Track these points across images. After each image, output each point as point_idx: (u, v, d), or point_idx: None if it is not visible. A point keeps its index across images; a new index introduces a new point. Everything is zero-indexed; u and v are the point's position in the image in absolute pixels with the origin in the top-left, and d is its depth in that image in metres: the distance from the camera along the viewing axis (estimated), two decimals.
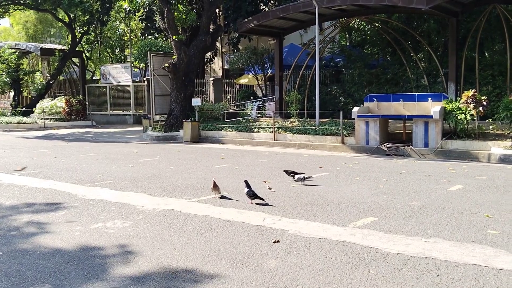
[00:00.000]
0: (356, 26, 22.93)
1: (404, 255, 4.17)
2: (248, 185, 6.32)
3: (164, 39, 24.12)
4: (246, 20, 17.71)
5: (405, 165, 9.99)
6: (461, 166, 9.78)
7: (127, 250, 4.47)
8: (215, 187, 6.68)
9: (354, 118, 13.12)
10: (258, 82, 23.88)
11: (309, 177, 7.76)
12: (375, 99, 13.43)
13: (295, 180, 7.71)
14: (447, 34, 16.68)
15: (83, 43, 33.42)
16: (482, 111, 11.22)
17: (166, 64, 17.62)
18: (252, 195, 6.23)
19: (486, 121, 12.70)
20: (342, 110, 14.54)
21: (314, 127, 14.33)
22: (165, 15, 17.37)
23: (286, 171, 8.02)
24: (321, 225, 5.22)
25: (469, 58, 16.45)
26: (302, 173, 7.85)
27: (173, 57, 17.94)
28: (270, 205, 6.16)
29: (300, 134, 14.39)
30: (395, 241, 4.57)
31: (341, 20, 19.21)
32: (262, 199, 6.26)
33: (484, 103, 11.20)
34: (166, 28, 17.77)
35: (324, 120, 15.22)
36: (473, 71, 15.99)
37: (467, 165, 9.87)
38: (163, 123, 18.54)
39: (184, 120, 17.04)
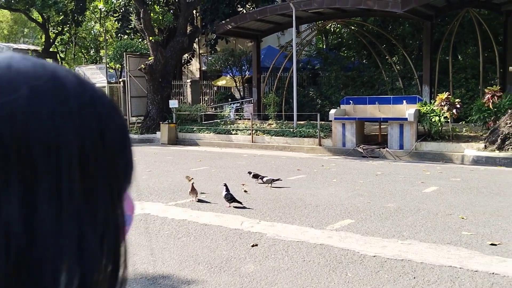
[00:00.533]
0: (332, 29, 23.16)
1: (381, 257, 4.21)
2: (226, 188, 6.28)
3: (140, 39, 23.89)
4: (223, 22, 17.67)
5: (381, 167, 10.11)
6: (435, 167, 9.94)
7: None
8: (193, 190, 6.63)
9: (331, 120, 13.21)
10: (236, 84, 23.86)
11: (278, 179, 7.79)
12: (351, 102, 13.56)
13: (264, 182, 7.69)
14: (422, 38, 16.96)
15: (57, 44, 32.85)
16: (455, 113, 11.43)
17: (142, 65, 17.44)
18: (230, 198, 6.20)
19: (460, 123, 12.96)
20: (319, 113, 14.64)
21: (291, 129, 14.38)
22: (141, 16, 17.20)
23: (249, 173, 7.99)
24: (299, 228, 5.23)
25: (443, 61, 16.76)
26: (265, 176, 7.85)
27: (150, 58, 17.76)
28: (248, 208, 6.15)
29: (278, 136, 14.42)
30: (372, 243, 4.60)
31: (318, 23, 19.36)
32: (240, 203, 6.23)
33: (458, 105, 11.42)
34: (142, 29, 17.60)
35: (301, 122, 15.29)
36: (447, 74, 16.30)
37: (441, 167, 10.04)
38: (140, 125, 18.35)
39: (161, 122, 16.88)
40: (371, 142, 13.11)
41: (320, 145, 13.34)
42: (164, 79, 18.16)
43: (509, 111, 10.86)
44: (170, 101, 17.59)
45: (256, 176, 7.88)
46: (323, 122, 14.07)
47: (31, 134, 0.45)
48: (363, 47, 20.23)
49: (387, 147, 12.13)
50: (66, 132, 0.46)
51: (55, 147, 0.45)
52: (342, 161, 11.41)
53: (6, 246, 0.42)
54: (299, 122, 15.12)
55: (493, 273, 3.77)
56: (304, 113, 16.94)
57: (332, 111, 13.25)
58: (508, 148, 10.40)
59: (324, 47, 25.10)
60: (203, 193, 7.08)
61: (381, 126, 13.27)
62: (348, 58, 21.81)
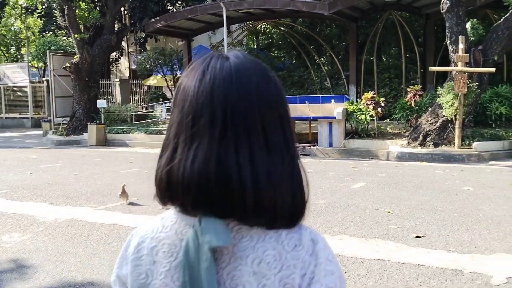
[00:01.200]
0: (263, 29, 23.38)
1: None
2: None
3: (65, 37, 22.85)
4: (153, 20, 17.32)
5: (312, 165, 10.33)
6: (363, 164, 10.32)
7: (26, 265, 4.14)
8: (124, 193, 6.43)
9: None
10: (167, 83, 23.45)
11: None
12: None
13: None
14: (348, 39, 17.56)
15: None
16: (380, 111, 11.93)
17: (67, 64, 16.69)
18: None
19: (384, 121, 13.55)
20: None
21: None
22: (65, 13, 16.44)
23: None
24: None
25: (368, 61, 17.46)
26: None
27: (75, 56, 17.04)
28: None
29: None
30: None
31: (248, 23, 19.49)
32: None
33: (382, 104, 11.92)
34: (67, 26, 16.84)
35: None
36: (372, 74, 16.99)
37: (368, 163, 10.44)
38: (65, 126, 17.54)
39: (88, 123, 16.25)
40: (302, 140, 13.38)
41: None
42: (91, 78, 17.50)
43: (430, 109, 11.50)
44: (98, 101, 16.97)
45: None
46: None
47: (264, 99, 0.83)
48: (293, 47, 20.61)
49: (317, 145, 12.44)
50: (276, 97, 0.85)
51: (276, 107, 0.84)
52: None
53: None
54: None
55: (418, 265, 3.96)
56: None
57: None
58: (429, 144, 11.02)
59: (255, 47, 25.31)
60: (134, 198, 6.88)
61: (311, 125, 13.58)
62: (278, 58, 22.13)
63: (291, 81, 19.11)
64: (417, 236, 4.73)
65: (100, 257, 4.32)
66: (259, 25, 21.49)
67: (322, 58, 20.05)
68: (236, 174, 0.77)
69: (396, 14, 16.24)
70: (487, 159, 10.24)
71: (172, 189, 0.83)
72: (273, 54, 22.68)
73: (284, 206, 0.81)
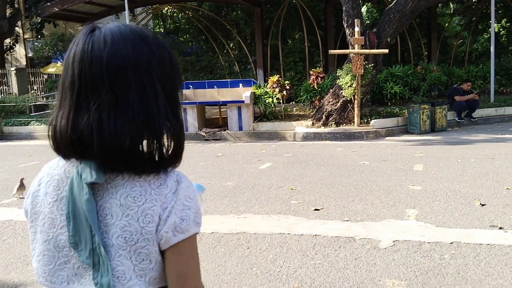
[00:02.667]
0: (169, 13, 22.92)
1: (218, 233, 4.39)
2: None
3: None
4: (49, 4, 16.31)
5: (222, 149, 10.44)
6: (271, 145, 10.60)
7: None
8: (21, 187, 6.08)
9: None
10: None
11: None
12: (191, 86, 13.67)
13: None
14: (254, 23, 17.76)
15: None
16: (286, 94, 12.29)
17: None
18: None
19: (291, 103, 13.97)
20: None
21: None
22: None
23: None
24: None
25: (274, 46, 17.80)
26: None
27: None
28: None
29: None
30: (210, 222, 4.76)
31: (153, 6, 19.01)
32: None
33: (288, 87, 12.28)
34: None
35: None
36: (278, 58, 17.37)
37: (276, 145, 10.75)
38: None
39: None
40: (213, 125, 13.43)
41: None
42: None
43: (331, 90, 12.04)
44: None
45: None
46: None
47: (117, 61, 0.94)
48: (200, 32, 20.45)
49: (227, 129, 12.56)
50: (137, 60, 0.96)
51: (135, 69, 0.96)
52: (185, 145, 11.47)
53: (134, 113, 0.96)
54: None
55: (315, 235, 4.20)
56: None
57: None
58: (332, 124, 11.56)
59: (162, 31, 24.77)
60: None
61: (221, 109, 13.66)
62: (186, 43, 21.84)
63: (199, 66, 18.98)
64: (316, 209, 5.00)
65: None
66: (165, 9, 21.03)
67: (230, 43, 20.12)
68: (86, 130, 0.93)
69: None
70: (383, 135, 10.98)
71: (53, 142, 1.01)
72: (180, 39, 22.33)
73: (142, 156, 0.97)
